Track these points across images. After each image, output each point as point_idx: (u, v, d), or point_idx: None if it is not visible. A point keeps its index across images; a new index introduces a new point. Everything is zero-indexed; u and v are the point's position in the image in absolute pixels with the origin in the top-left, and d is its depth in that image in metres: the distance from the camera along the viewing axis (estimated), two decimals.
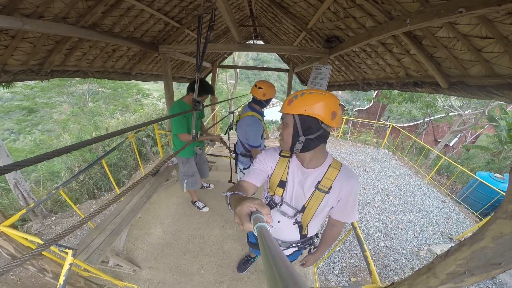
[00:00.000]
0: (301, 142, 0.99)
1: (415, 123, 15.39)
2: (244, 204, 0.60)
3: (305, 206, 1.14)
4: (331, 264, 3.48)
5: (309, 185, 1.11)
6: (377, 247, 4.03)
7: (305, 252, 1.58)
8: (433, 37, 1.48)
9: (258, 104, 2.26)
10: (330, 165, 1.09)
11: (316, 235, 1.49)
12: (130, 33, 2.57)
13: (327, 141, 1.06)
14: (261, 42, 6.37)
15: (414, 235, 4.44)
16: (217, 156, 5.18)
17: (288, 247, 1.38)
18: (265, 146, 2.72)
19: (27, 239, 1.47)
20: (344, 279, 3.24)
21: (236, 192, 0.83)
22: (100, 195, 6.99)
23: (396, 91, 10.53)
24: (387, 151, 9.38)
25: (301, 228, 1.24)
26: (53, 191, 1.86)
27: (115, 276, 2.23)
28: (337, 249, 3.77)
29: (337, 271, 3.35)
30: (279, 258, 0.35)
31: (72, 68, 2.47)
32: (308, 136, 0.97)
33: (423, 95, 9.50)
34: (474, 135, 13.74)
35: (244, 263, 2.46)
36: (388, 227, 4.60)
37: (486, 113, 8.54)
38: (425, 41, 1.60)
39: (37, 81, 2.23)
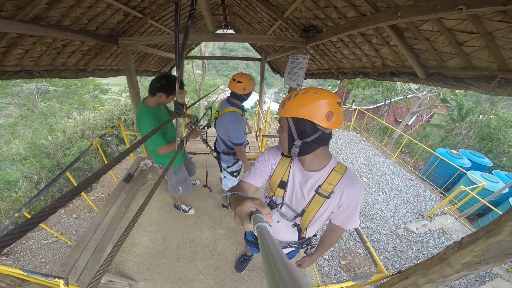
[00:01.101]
0: (297, 146, 0.94)
1: (377, 105, 16.45)
2: (244, 204, 0.59)
3: (305, 209, 1.10)
4: None
5: (309, 188, 1.06)
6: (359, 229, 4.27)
7: (301, 251, 1.57)
8: (416, 29, 1.49)
9: (237, 99, 2.12)
10: (333, 168, 1.04)
11: (315, 235, 1.48)
12: (83, 26, 2.21)
13: None
14: (231, 31, 6.08)
15: (390, 214, 4.74)
16: (194, 153, 4.94)
17: (285, 247, 1.37)
18: (247, 141, 2.62)
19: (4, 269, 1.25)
20: (335, 263, 3.40)
21: (236, 192, 0.81)
22: (68, 203, 6.36)
23: None
24: (355, 133, 9.92)
25: (299, 231, 1.21)
26: (16, 214, 1.62)
27: None
28: None
29: (327, 256, 3.49)
30: (280, 258, 0.35)
31: (12, 69, 2.06)
32: (304, 139, 0.91)
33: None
34: (429, 115, 15.19)
35: (242, 263, 2.42)
36: (365, 208, 4.86)
37: (441, 95, 9.43)
38: (407, 33, 1.61)
39: None
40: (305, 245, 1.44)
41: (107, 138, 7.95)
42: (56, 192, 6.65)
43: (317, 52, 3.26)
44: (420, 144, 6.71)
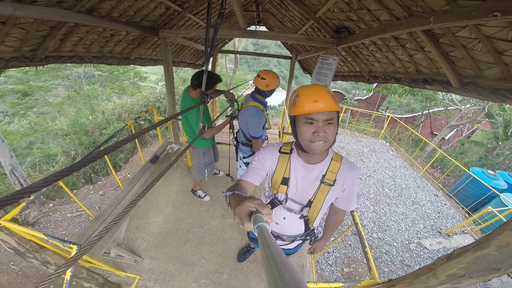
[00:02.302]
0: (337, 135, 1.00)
1: (413, 115, 15.39)
2: (244, 204, 0.59)
3: (312, 200, 1.16)
4: (326, 254, 3.58)
5: (314, 179, 1.12)
6: (370, 238, 4.15)
7: (306, 243, 1.61)
8: (452, 36, 1.42)
9: (261, 95, 2.20)
10: (332, 158, 1.12)
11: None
12: (129, 18, 2.43)
13: None
14: (263, 28, 6.14)
15: (406, 228, 4.56)
16: (218, 143, 5.12)
17: (293, 241, 1.41)
18: (266, 136, 2.69)
19: (28, 233, 1.44)
20: (337, 269, 3.36)
21: (235, 192, 0.81)
22: (97, 180, 6.94)
23: None
24: (384, 141, 9.43)
25: (307, 222, 1.26)
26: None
27: (117, 266, 2.25)
28: (332, 239, 3.87)
29: (331, 261, 3.45)
30: (279, 258, 0.35)
31: (67, 54, 2.35)
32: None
33: None
34: (470, 130, 13.84)
35: (244, 253, 2.51)
36: (381, 218, 4.70)
37: (486, 109, 8.54)
38: (443, 39, 1.54)
39: (32, 66, 2.12)
40: (309, 237, 1.47)
41: (141, 122, 8.51)
42: (88, 169, 7.28)
43: (349, 54, 3.20)
44: (454, 160, 6.21)
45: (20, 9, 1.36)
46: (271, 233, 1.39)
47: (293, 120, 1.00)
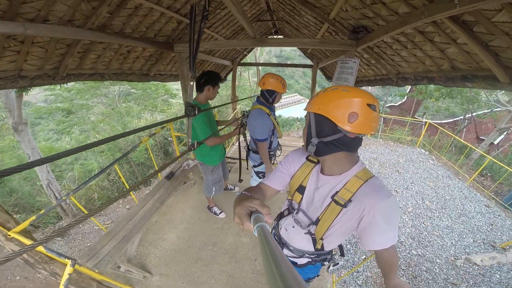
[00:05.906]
0: (313, 145, 0.88)
1: (454, 119, 13.94)
2: (244, 204, 0.59)
3: (319, 218, 0.97)
4: (355, 274, 3.24)
5: (325, 194, 0.95)
6: (408, 255, 3.75)
7: (323, 268, 1.45)
8: (488, 22, 1.17)
9: (263, 97, 2.15)
10: (355, 174, 0.88)
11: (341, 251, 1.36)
12: (142, 33, 2.51)
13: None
14: (281, 37, 6.09)
15: (452, 243, 4.12)
16: (234, 159, 5.08)
17: (301, 256, 1.23)
18: (279, 145, 2.58)
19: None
20: None
21: (243, 192, 0.80)
22: (129, 195, 7.25)
23: (432, 86, 9.54)
24: (423, 150, 8.59)
25: (314, 241, 1.07)
26: (64, 198, 1.88)
27: (126, 281, 2.21)
28: (363, 257, 3.49)
29: (360, 281, 3.13)
30: (280, 258, 0.35)
31: (88, 71, 2.47)
32: (322, 138, 0.85)
33: (463, 90, 8.44)
34: None
35: None
36: (422, 233, 4.29)
37: None
38: (478, 28, 1.27)
39: (55, 85, 2.26)
40: (326, 262, 1.27)
41: (169, 139, 8.87)
42: (121, 185, 7.66)
43: (372, 56, 2.94)
44: (506, 166, 5.43)
45: (31, 28, 1.42)
46: (279, 237, 1.15)
47: None
